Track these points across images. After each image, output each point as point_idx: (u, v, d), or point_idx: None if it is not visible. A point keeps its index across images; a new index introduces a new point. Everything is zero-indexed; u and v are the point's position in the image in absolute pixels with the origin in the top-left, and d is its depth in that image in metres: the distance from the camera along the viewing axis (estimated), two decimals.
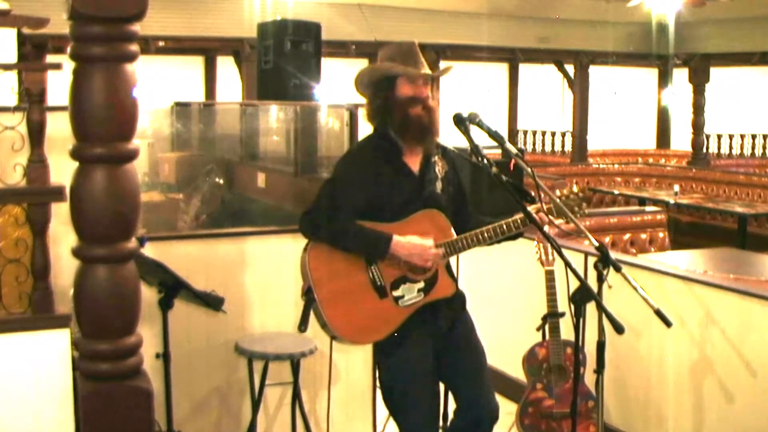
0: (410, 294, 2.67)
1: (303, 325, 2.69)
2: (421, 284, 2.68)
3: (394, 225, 2.67)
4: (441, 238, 2.70)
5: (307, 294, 2.65)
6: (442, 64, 3.06)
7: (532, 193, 2.62)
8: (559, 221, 2.69)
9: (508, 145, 2.58)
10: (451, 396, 2.94)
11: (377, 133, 2.76)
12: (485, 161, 2.58)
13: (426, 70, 2.72)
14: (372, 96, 2.74)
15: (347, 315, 2.64)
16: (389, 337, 2.67)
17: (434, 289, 2.70)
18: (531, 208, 2.66)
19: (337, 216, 2.63)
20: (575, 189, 2.81)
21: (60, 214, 2.75)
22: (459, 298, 2.84)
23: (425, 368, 2.73)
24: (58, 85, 2.77)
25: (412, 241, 2.63)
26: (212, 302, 3.11)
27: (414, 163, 2.74)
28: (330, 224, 2.62)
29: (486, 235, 2.68)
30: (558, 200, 2.63)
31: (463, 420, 2.82)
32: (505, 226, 2.68)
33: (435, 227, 2.70)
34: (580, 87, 13.63)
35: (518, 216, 2.65)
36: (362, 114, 2.81)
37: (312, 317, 2.68)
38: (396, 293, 2.66)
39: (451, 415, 3.04)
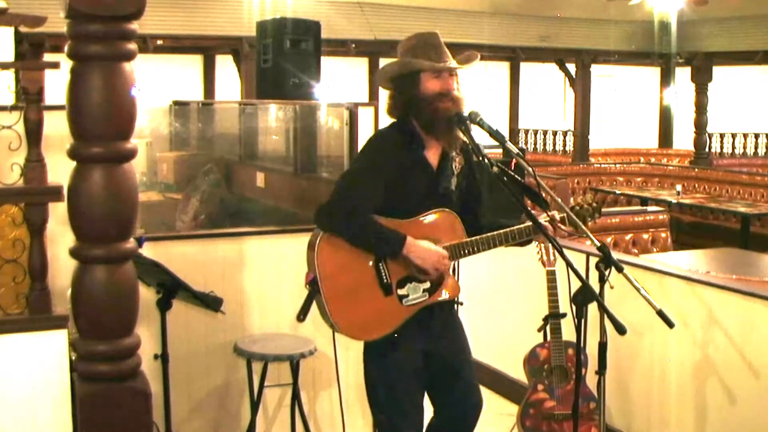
0: (415, 294, 2.64)
1: (302, 314, 2.62)
2: (427, 284, 2.65)
3: (406, 222, 2.62)
4: (450, 240, 2.66)
5: (312, 285, 2.59)
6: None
7: (548, 200, 2.60)
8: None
9: (509, 145, 2.56)
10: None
11: (400, 124, 2.69)
12: (486, 161, 2.57)
13: (451, 61, 2.65)
14: (396, 91, 2.67)
15: (350, 311, 2.59)
16: (384, 336, 2.63)
17: (439, 289, 2.67)
18: (545, 216, 2.65)
19: (355, 210, 2.56)
20: (589, 198, 2.79)
21: (57, 214, 2.73)
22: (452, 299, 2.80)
23: (414, 371, 2.70)
24: (56, 84, 2.75)
25: (426, 246, 2.58)
26: (211, 303, 3.09)
27: (433, 157, 2.69)
28: (347, 218, 2.56)
29: (497, 240, 2.65)
30: (563, 204, 2.61)
31: (444, 417, 2.80)
32: (516, 233, 2.65)
33: (447, 228, 2.65)
34: (581, 86, 13.60)
35: (529, 223, 2.63)
36: (383, 107, 2.73)
37: (313, 306, 2.63)
38: (401, 292, 2.61)
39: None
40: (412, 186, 2.63)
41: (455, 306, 2.86)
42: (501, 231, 2.66)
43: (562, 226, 2.68)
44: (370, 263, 2.60)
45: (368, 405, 2.78)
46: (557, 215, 2.69)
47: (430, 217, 2.65)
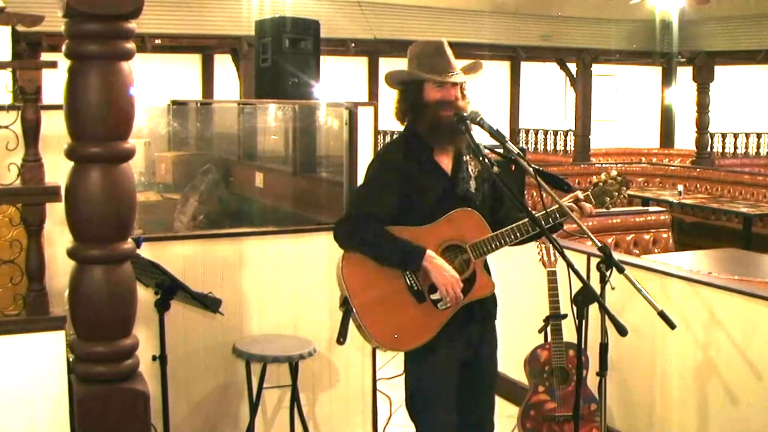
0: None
1: (342, 337, 2.60)
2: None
3: (426, 228, 2.61)
4: (475, 237, 2.63)
5: (344, 304, 2.57)
6: (462, 62, 2.95)
7: (569, 183, 2.61)
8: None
9: (510, 145, 2.55)
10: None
11: (407, 132, 2.71)
12: (486, 161, 2.55)
13: (453, 73, 2.63)
14: (401, 96, 2.70)
15: (386, 322, 2.56)
16: (424, 343, 2.60)
17: (473, 289, 2.64)
18: (569, 197, 2.63)
19: (368, 225, 2.57)
20: (613, 173, 2.73)
21: (55, 214, 2.72)
22: (492, 300, 2.77)
23: (450, 378, 2.68)
24: (54, 84, 2.74)
25: (443, 264, 2.56)
26: (209, 304, 3.08)
27: (446, 162, 2.69)
28: (362, 234, 2.57)
29: (513, 235, 2.61)
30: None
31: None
32: (529, 226, 2.60)
33: (469, 226, 2.63)
34: (582, 85, 13.57)
35: (541, 214, 2.59)
36: (391, 111, 2.74)
37: (352, 328, 2.60)
38: (434, 296, 2.58)
39: None
40: (426, 191, 2.64)
41: (493, 316, 2.81)
42: (521, 222, 2.61)
43: (587, 205, 2.63)
44: (398, 273, 2.58)
45: (407, 411, 2.76)
46: (580, 194, 2.66)
47: (448, 219, 2.63)
